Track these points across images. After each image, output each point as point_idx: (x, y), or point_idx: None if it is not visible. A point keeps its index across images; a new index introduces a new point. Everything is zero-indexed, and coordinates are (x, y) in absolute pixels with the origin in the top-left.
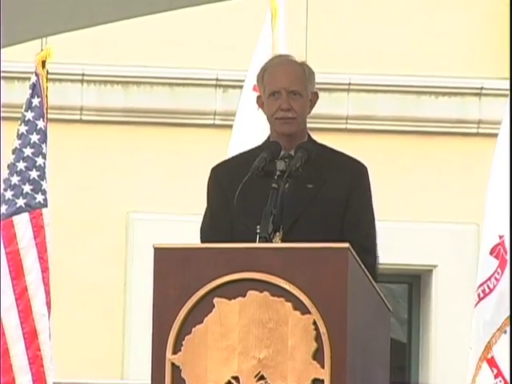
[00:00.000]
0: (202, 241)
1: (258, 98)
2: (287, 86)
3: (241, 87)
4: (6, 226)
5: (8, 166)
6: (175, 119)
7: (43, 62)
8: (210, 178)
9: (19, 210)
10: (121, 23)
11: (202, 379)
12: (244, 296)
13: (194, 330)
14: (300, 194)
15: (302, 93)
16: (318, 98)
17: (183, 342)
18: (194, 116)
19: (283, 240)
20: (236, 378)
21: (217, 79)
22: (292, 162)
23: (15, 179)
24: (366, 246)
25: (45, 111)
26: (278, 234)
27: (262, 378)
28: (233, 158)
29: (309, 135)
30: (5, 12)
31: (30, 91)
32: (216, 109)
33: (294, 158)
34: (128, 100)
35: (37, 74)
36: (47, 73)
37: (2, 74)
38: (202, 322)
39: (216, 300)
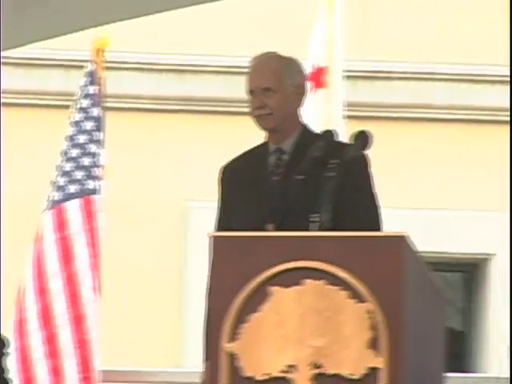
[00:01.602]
0: None
1: None
2: (259, 84)
3: None
4: (58, 211)
5: (61, 152)
6: (231, 107)
7: (100, 51)
8: (218, 176)
9: (71, 196)
10: (177, 11)
11: (258, 367)
12: (300, 284)
13: (249, 318)
14: (289, 184)
15: (275, 88)
16: (304, 90)
17: (239, 331)
18: (240, 105)
19: (277, 229)
20: (292, 367)
21: None
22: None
23: (68, 166)
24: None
25: (101, 99)
26: (271, 225)
27: (317, 366)
28: (239, 156)
29: (304, 126)
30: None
31: (86, 79)
32: None
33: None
34: (184, 88)
35: (93, 63)
36: (104, 61)
37: (60, 63)
38: (258, 310)
39: (272, 288)
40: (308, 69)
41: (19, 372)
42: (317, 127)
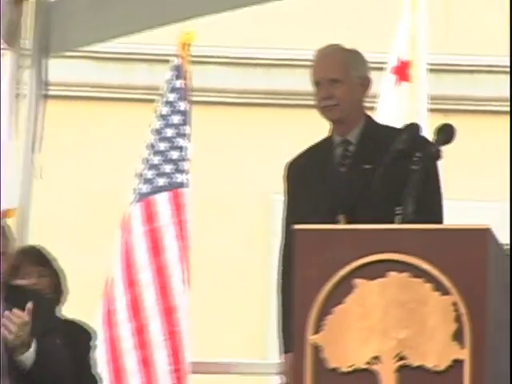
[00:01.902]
0: None
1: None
2: (326, 75)
3: (380, 69)
4: (147, 204)
5: (148, 146)
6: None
7: (186, 45)
8: (283, 174)
9: (160, 189)
10: (262, 5)
11: (343, 359)
12: (384, 277)
13: (334, 310)
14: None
15: (343, 79)
16: (369, 81)
17: (323, 322)
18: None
19: (349, 220)
20: (376, 358)
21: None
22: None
23: (156, 159)
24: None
25: (187, 93)
26: (342, 216)
27: (402, 358)
28: (302, 152)
29: (367, 116)
30: None
31: (172, 73)
32: None
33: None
34: (270, 82)
35: (179, 57)
36: (190, 55)
37: (145, 57)
38: (343, 302)
39: (356, 281)
40: (392, 62)
41: (108, 363)
42: (401, 120)
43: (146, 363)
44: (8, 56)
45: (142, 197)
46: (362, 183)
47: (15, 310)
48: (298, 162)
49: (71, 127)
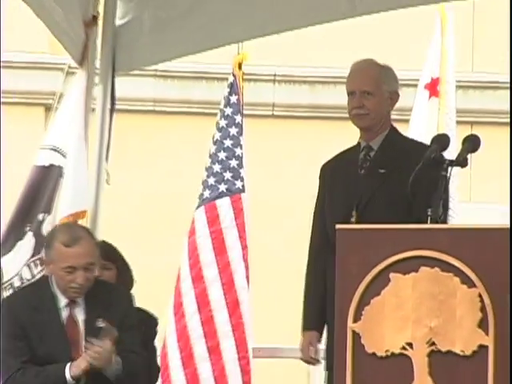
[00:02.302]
0: None
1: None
2: (360, 87)
3: (414, 86)
4: (210, 208)
5: (210, 155)
6: None
7: (239, 64)
8: (319, 174)
9: (221, 195)
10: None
11: (380, 345)
12: (417, 271)
13: (372, 301)
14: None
15: (374, 92)
16: (398, 96)
17: (363, 312)
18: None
19: (359, 216)
20: (410, 344)
21: None
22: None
23: (217, 167)
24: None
25: (241, 107)
26: (354, 213)
27: (432, 344)
28: (336, 155)
29: (392, 127)
30: (203, 18)
31: (228, 90)
32: None
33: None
34: (314, 97)
35: (234, 75)
36: (243, 74)
37: (203, 75)
38: (380, 294)
39: (392, 275)
40: (425, 80)
41: (179, 350)
42: (432, 131)
43: (214, 351)
44: (81, 74)
45: (205, 202)
46: (375, 185)
47: (99, 343)
48: (330, 164)
49: (136, 138)
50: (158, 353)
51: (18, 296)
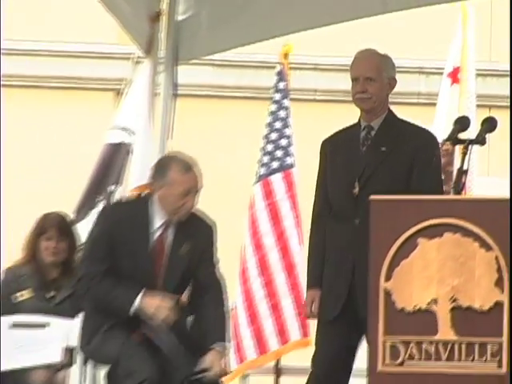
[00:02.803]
0: None
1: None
2: (363, 74)
3: (440, 74)
4: (265, 184)
5: (263, 137)
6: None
7: (286, 55)
8: (320, 149)
9: (274, 171)
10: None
11: (408, 301)
12: (441, 237)
13: (401, 263)
14: (375, 154)
15: (375, 78)
16: (395, 82)
17: (393, 273)
18: (402, 96)
19: (362, 188)
20: (434, 301)
21: (420, 67)
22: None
23: (269, 147)
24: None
25: (288, 93)
26: (357, 184)
27: (454, 300)
28: (336, 132)
29: (389, 110)
30: (253, 15)
31: (276, 77)
32: (420, 90)
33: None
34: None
35: (281, 64)
36: (289, 63)
37: (253, 64)
38: (408, 257)
39: (419, 240)
40: (448, 69)
41: (246, 310)
42: (454, 113)
43: (275, 309)
44: (147, 63)
45: (261, 178)
46: (377, 161)
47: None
48: (331, 139)
49: (195, 119)
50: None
51: (115, 208)
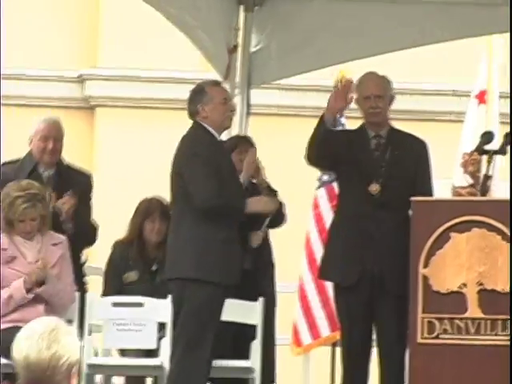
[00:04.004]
0: None
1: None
2: (374, 92)
3: (468, 96)
4: (330, 188)
5: None
6: (429, 117)
7: (340, 79)
8: None
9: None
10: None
11: (442, 284)
12: (469, 231)
13: (437, 252)
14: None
15: (383, 96)
16: (393, 98)
17: (430, 261)
18: (438, 114)
19: (382, 187)
20: (464, 284)
21: (453, 90)
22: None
23: None
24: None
25: (344, 112)
26: (377, 184)
27: (481, 284)
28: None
29: (390, 124)
30: (315, 47)
31: None
32: (452, 110)
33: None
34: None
35: (337, 87)
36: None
37: (314, 88)
38: (442, 247)
39: (451, 234)
40: (475, 91)
41: (318, 294)
42: (480, 129)
43: None
44: (225, 87)
45: (325, 184)
46: (392, 163)
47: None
48: (341, 134)
49: (264, 135)
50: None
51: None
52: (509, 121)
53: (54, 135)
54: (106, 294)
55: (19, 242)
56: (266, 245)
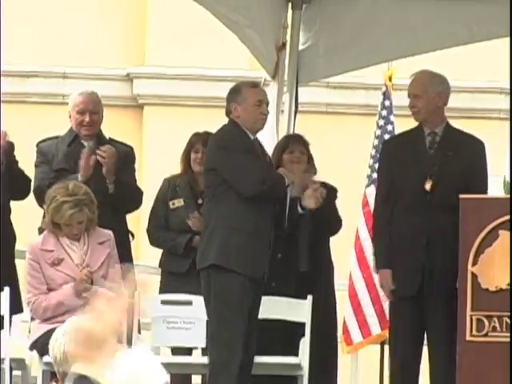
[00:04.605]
0: None
1: None
2: (411, 92)
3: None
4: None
5: (373, 146)
6: (477, 114)
7: (390, 77)
8: (382, 149)
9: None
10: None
11: (491, 282)
12: None
13: (485, 250)
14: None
15: (422, 95)
16: (444, 95)
17: (479, 259)
18: (486, 112)
19: (434, 184)
20: None
21: (501, 88)
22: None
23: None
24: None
25: (392, 110)
26: (429, 181)
27: None
28: (398, 135)
29: (447, 120)
30: (362, 45)
31: (382, 96)
32: (500, 107)
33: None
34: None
35: (386, 85)
36: (392, 84)
37: (362, 86)
38: (491, 245)
39: (500, 231)
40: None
41: (368, 293)
42: None
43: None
44: (273, 85)
45: (374, 181)
46: (445, 162)
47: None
48: (395, 140)
49: (313, 132)
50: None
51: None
52: None
53: (90, 108)
54: (151, 219)
55: (65, 243)
56: (325, 244)
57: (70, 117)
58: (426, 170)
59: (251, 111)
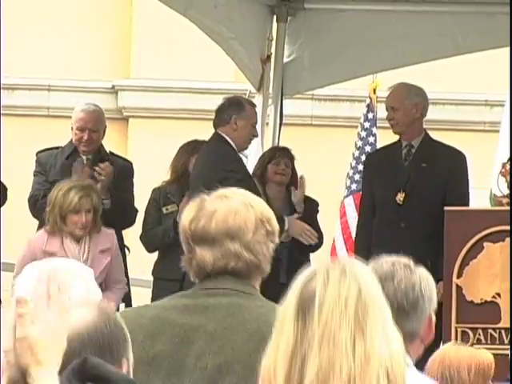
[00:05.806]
0: None
1: None
2: (388, 104)
3: (502, 105)
4: (357, 197)
5: (354, 158)
6: (462, 127)
7: (374, 90)
8: (364, 161)
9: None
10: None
11: (476, 294)
12: (503, 241)
13: (470, 262)
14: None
15: (398, 107)
16: (422, 106)
17: (463, 271)
18: (471, 124)
19: (406, 196)
20: (498, 294)
21: (486, 100)
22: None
23: (360, 167)
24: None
25: (376, 122)
26: (401, 193)
27: None
28: (380, 148)
29: (426, 132)
30: (347, 58)
31: (366, 108)
32: (485, 120)
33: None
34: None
35: (370, 98)
36: (377, 97)
37: (347, 98)
38: (476, 257)
39: (485, 244)
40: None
41: None
42: None
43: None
44: (258, 97)
45: (353, 192)
46: (418, 174)
47: None
48: (376, 154)
49: (297, 145)
50: None
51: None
52: None
53: (89, 127)
54: (145, 224)
55: (68, 247)
56: (306, 257)
57: (72, 129)
58: (400, 182)
59: (248, 130)
